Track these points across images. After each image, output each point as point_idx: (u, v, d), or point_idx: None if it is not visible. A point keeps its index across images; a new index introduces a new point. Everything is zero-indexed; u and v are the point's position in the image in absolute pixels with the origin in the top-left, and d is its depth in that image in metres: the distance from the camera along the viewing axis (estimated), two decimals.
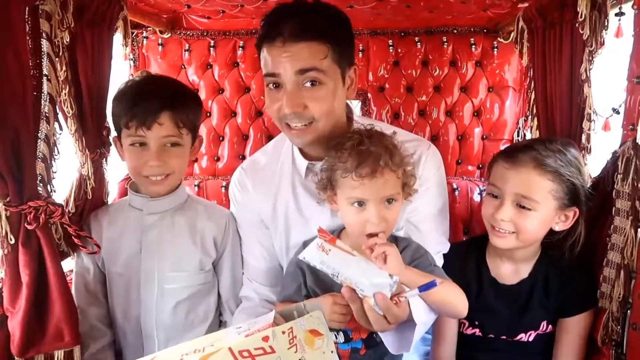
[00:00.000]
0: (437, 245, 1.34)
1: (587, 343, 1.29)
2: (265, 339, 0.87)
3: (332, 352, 0.94)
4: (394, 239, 1.27)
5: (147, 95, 1.30)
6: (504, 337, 1.34)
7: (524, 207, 1.21)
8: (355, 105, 2.10)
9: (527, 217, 1.21)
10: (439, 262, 1.32)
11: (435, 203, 1.35)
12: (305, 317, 0.92)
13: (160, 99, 1.30)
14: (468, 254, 1.38)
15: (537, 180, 1.20)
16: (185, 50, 2.08)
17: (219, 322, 1.50)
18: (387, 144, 1.13)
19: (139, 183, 1.37)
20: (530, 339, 1.33)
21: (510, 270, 1.34)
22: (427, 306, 1.15)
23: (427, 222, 1.34)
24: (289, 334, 0.89)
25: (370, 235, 1.11)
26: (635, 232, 1.11)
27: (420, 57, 2.06)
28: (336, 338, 1.20)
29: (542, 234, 1.26)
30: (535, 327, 1.32)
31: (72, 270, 1.41)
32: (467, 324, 1.38)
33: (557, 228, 1.26)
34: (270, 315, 0.97)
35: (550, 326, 1.32)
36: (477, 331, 1.37)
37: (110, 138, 1.46)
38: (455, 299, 1.17)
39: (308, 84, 1.18)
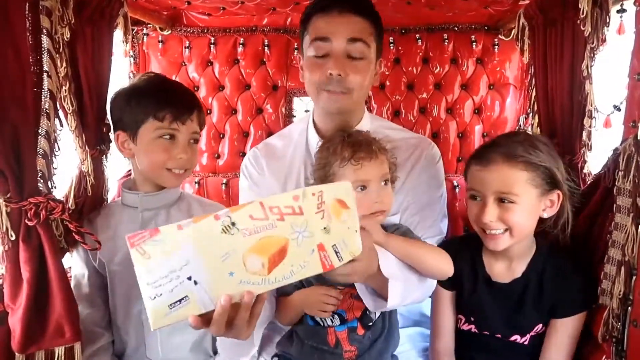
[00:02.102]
0: (432, 230, 1.40)
1: (576, 343, 1.29)
2: (296, 198, 0.87)
3: (356, 231, 0.92)
4: (384, 228, 1.29)
5: (180, 93, 1.37)
6: (498, 335, 1.34)
7: (506, 203, 1.21)
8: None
9: (513, 211, 1.21)
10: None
11: (432, 194, 1.43)
12: (335, 183, 0.92)
13: (192, 97, 1.39)
14: (463, 249, 1.38)
15: (511, 173, 1.21)
16: (185, 47, 2.07)
17: None
18: (369, 135, 1.25)
19: (156, 176, 1.36)
20: (526, 343, 1.32)
21: (504, 268, 1.33)
22: (412, 271, 1.20)
23: (421, 211, 1.40)
24: (319, 197, 0.88)
25: (373, 214, 1.19)
26: (636, 229, 1.11)
27: (420, 54, 2.06)
28: (332, 322, 1.24)
29: (532, 225, 1.26)
30: (529, 330, 1.32)
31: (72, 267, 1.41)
32: (463, 319, 1.38)
33: (545, 215, 1.26)
34: None
35: (544, 328, 1.32)
36: (472, 327, 1.37)
37: (111, 135, 1.46)
38: (433, 256, 1.21)
39: (353, 56, 1.27)
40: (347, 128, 1.30)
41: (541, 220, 1.29)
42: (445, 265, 1.21)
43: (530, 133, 1.33)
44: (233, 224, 0.84)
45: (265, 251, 0.86)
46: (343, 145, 1.20)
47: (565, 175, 1.26)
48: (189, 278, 0.84)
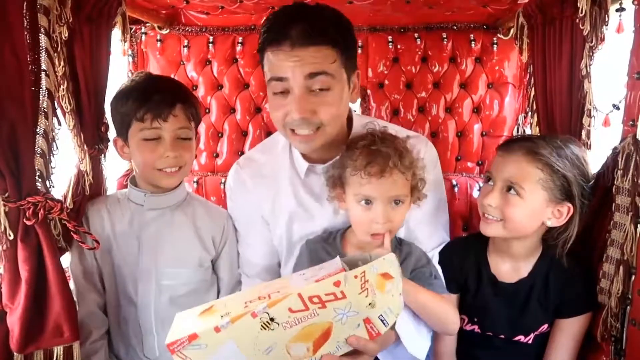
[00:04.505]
0: (435, 240, 1.37)
1: (580, 344, 1.29)
2: (337, 284, 0.84)
3: (399, 294, 0.91)
4: (399, 242, 1.29)
5: (161, 89, 1.33)
6: (502, 336, 1.34)
7: (511, 193, 1.21)
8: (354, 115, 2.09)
9: (514, 205, 1.20)
10: (435, 258, 1.35)
11: (433, 200, 1.37)
12: (379, 260, 0.89)
13: (173, 92, 1.34)
14: (468, 249, 1.38)
15: (526, 166, 1.20)
16: (184, 46, 2.07)
17: None
18: (397, 146, 1.16)
19: (150, 177, 1.36)
20: (530, 342, 1.33)
21: (509, 269, 1.33)
22: (420, 326, 1.18)
23: (425, 219, 1.36)
24: (361, 278, 0.86)
25: (375, 235, 1.14)
26: (635, 228, 1.11)
27: (419, 53, 2.06)
28: None
29: (530, 226, 1.25)
30: (533, 329, 1.32)
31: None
32: (466, 319, 1.38)
33: (549, 223, 1.24)
34: (335, 260, 0.93)
35: (549, 328, 1.32)
36: (476, 328, 1.37)
37: (109, 135, 1.46)
38: (447, 316, 1.20)
39: (317, 89, 1.15)
40: (374, 128, 1.23)
41: (548, 229, 1.27)
42: (453, 325, 1.22)
43: (573, 140, 1.29)
44: (272, 319, 0.83)
45: (309, 337, 0.86)
46: (362, 152, 1.13)
47: (587, 195, 1.23)
48: None
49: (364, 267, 0.86)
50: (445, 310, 1.20)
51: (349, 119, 1.36)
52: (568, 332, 1.28)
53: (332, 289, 0.84)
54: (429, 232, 1.37)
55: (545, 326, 1.31)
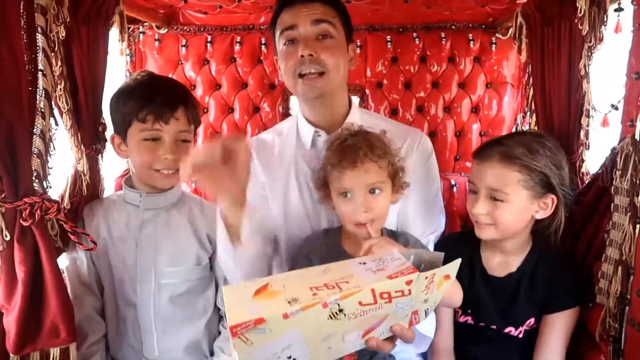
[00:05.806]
0: (431, 226, 1.41)
1: (569, 340, 1.30)
2: (409, 282, 0.86)
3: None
4: (392, 234, 1.31)
5: (164, 91, 1.34)
6: (494, 327, 1.36)
7: (496, 200, 1.24)
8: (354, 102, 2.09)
9: (501, 209, 1.24)
10: (431, 245, 1.39)
11: (428, 190, 1.43)
12: (449, 265, 0.91)
13: (175, 94, 1.35)
14: (462, 244, 1.41)
15: (503, 172, 1.23)
16: (182, 46, 2.07)
17: (219, 317, 1.50)
18: (368, 138, 1.22)
19: (146, 177, 1.36)
20: (520, 336, 1.34)
21: (500, 263, 1.36)
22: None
23: (421, 208, 1.40)
24: (430, 279, 0.88)
25: (359, 225, 1.19)
26: (634, 228, 1.11)
27: (418, 53, 2.06)
28: None
29: (521, 223, 1.28)
30: (522, 322, 1.34)
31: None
32: (460, 312, 1.40)
33: (538, 216, 1.28)
34: (396, 255, 0.95)
35: (537, 323, 1.33)
36: (469, 319, 1.39)
37: (107, 135, 1.46)
38: (454, 290, 1.21)
39: (321, 36, 1.31)
40: (349, 127, 1.29)
41: (538, 221, 1.30)
42: (458, 300, 1.24)
43: (540, 134, 1.34)
44: (341, 310, 0.84)
45: (364, 325, 0.88)
46: (335, 150, 1.21)
47: (566, 181, 1.27)
48: (289, 357, 0.85)
49: (436, 270, 0.89)
50: (456, 285, 1.23)
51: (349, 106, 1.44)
52: (556, 327, 1.30)
53: (402, 287, 0.87)
54: (425, 220, 1.41)
55: (533, 320, 1.33)
